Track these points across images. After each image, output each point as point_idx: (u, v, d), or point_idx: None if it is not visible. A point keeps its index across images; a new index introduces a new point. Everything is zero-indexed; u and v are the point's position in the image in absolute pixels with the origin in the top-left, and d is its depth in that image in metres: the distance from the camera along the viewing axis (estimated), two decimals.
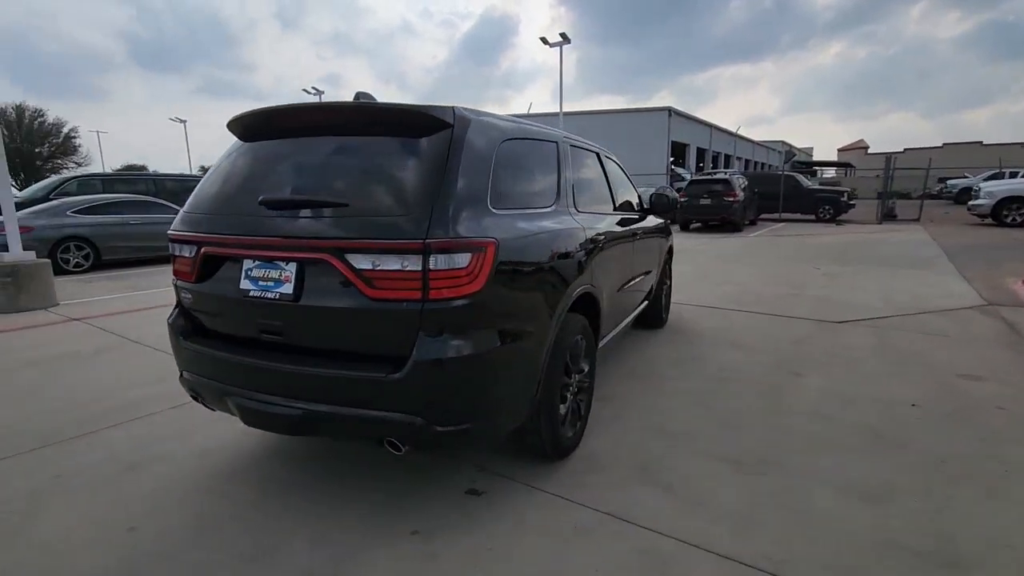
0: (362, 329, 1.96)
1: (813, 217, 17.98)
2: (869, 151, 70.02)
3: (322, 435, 2.23)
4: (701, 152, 43.08)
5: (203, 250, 2.21)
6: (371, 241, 1.85)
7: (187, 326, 2.39)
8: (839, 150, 76.64)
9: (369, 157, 2.07)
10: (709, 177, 16.69)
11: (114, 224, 9.65)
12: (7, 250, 6.40)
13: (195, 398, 2.39)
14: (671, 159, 36.07)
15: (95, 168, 49.99)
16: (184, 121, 48.99)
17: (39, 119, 50.69)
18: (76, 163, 52.03)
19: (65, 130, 52.63)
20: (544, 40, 24.71)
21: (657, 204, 4.36)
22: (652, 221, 4.44)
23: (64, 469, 2.63)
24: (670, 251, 5.14)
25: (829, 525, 2.14)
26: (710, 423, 3.06)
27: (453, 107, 2.14)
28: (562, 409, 2.55)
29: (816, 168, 49.76)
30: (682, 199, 14.85)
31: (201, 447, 2.83)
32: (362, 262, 1.87)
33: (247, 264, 2.10)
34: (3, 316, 5.92)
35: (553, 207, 2.64)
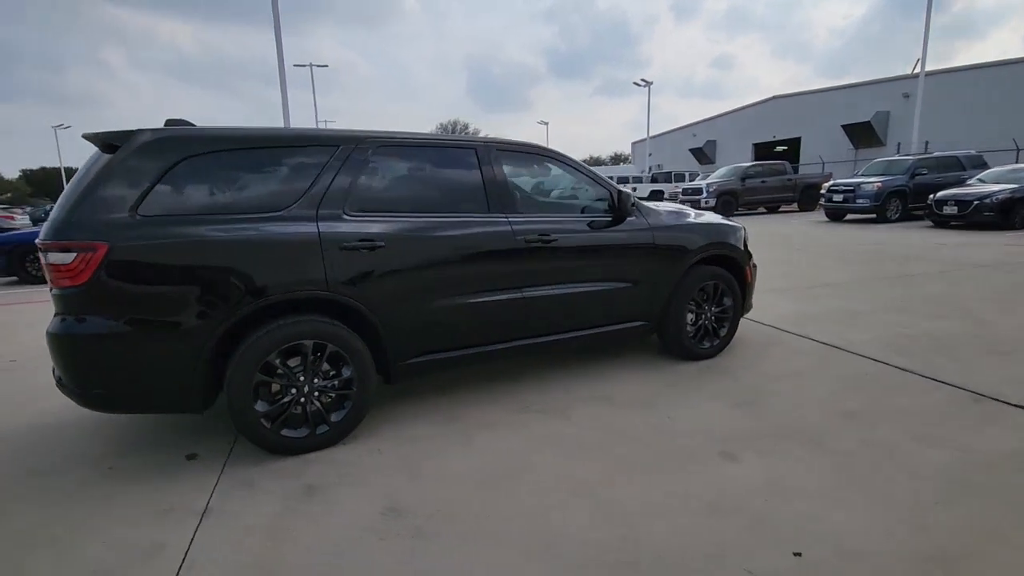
0: None
1: None
2: None
3: None
4: None
5: None
6: (41, 241, 2.47)
7: None
8: None
9: (87, 173, 2.62)
10: None
11: None
12: None
13: None
14: None
15: None
16: (546, 123, 57.59)
17: (464, 131, 67.17)
18: None
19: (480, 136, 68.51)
20: None
21: (623, 208, 3.53)
22: (632, 227, 3.63)
23: None
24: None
25: None
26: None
27: (141, 130, 2.53)
28: (299, 408, 2.75)
29: None
30: None
31: None
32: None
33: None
34: None
35: (284, 212, 2.69)
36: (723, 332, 4.14)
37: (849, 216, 15.18)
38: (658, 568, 1.92)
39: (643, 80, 31.83)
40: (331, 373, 2.84)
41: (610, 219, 3.61)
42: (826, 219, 15.65)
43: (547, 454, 2.77)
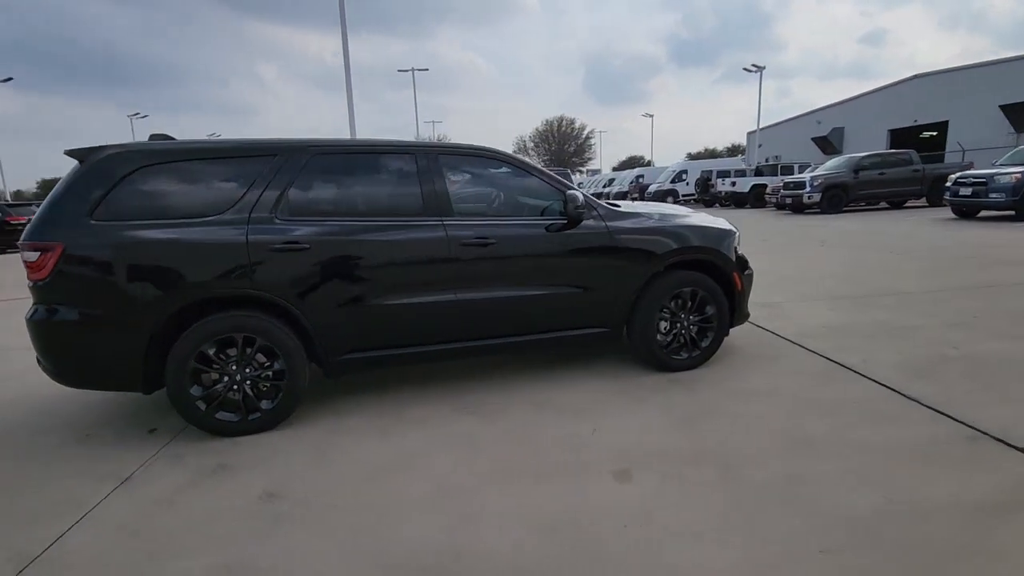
0: None
1: None
2: None
3: None
4: None
5: None
6: (19, 241, 2.96)
7: None
8: None
9: (60, 183, 3.05)
10: None
11: None
12: None
13: None
14: None
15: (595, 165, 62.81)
16: (651, 116, 55.15)
17: (569, 126, 66.94)
18: (584, 159, 66.54)
19: (585, 133, 67.59)
20: None
21: (571, 212, 3.42)
22: (585, 230, 3.54)
23: None
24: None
25: None
26: None
27: (102, 146, 2.93)
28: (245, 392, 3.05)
29: None
30: None
31: None
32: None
33: None
34: None
35: (221, 216, 2.97)
36: (704, 343, 3.85)
37: (983, 212, 13.06)
38: None
39: (754, 65, 29.64)
40: (266, 364, 3.09)
41: (563, 222, 3.51)
42: (953, 216, 13.59)
43: (449, 454, 2.81)
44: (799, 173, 20.83)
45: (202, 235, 2.93)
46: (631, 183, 34.02)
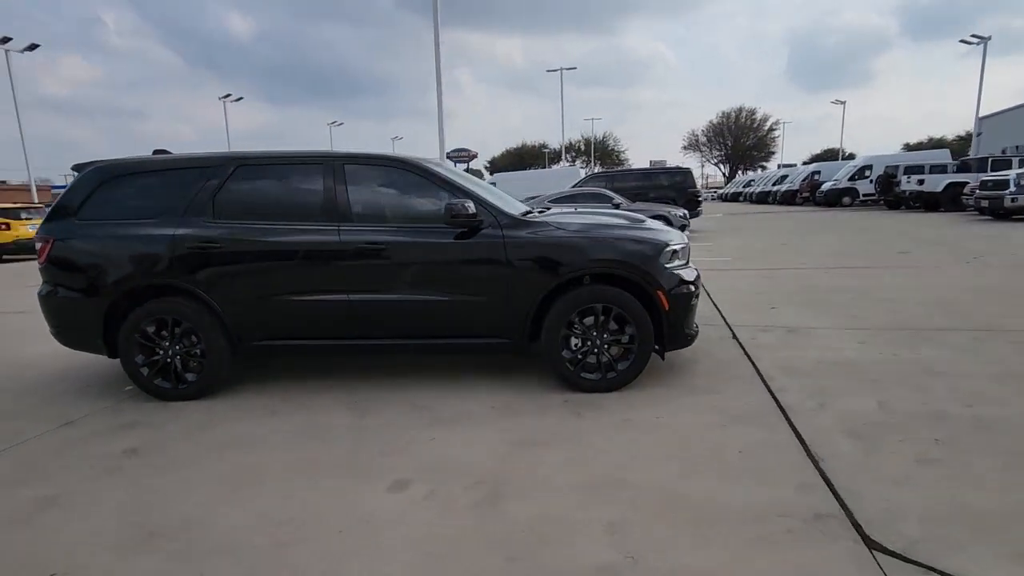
0: None
1: None
2: None
3: None
4: None
5: None
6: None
7: None
8: None
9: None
10: None
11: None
12: None
13: None
14: None
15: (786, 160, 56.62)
16: (843, 103, 47.79)
17: (749, 117, 61.36)
18: (766, 154, 60.30)
19: (768, 124, 61.36)
20: None
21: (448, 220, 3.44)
22: (482, 239, 3.53)
23: None
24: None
25: None
26: None
27: (91, 162, 3.74)
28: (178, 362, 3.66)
29: None
30: None
31: None
32: None
33: None
34: None
35: (160, 218, 3.59)
36: (623, 366, 3.53)
37: None
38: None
39: (975, 36, 23.95)
40: (194, 342, 3.67)
41: (462, 231, 3.51)
42: None
43: (294, 440, 3.07)
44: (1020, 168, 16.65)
45: (139, 232, 3.60)
46: (803, 180, 30.23)
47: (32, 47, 25.81)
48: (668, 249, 3.55)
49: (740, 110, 61.39)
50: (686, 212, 13.11)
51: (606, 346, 3.53)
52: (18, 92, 25.04)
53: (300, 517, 2.33)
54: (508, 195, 4.36)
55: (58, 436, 3.25)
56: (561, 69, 34.32)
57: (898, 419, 3.02)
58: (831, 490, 2.36)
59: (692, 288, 3.60)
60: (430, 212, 3.65)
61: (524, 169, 45.70)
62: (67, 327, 3.79)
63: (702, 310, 5.68)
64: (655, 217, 12.64)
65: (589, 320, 3.53)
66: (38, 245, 3.76)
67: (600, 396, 3.49)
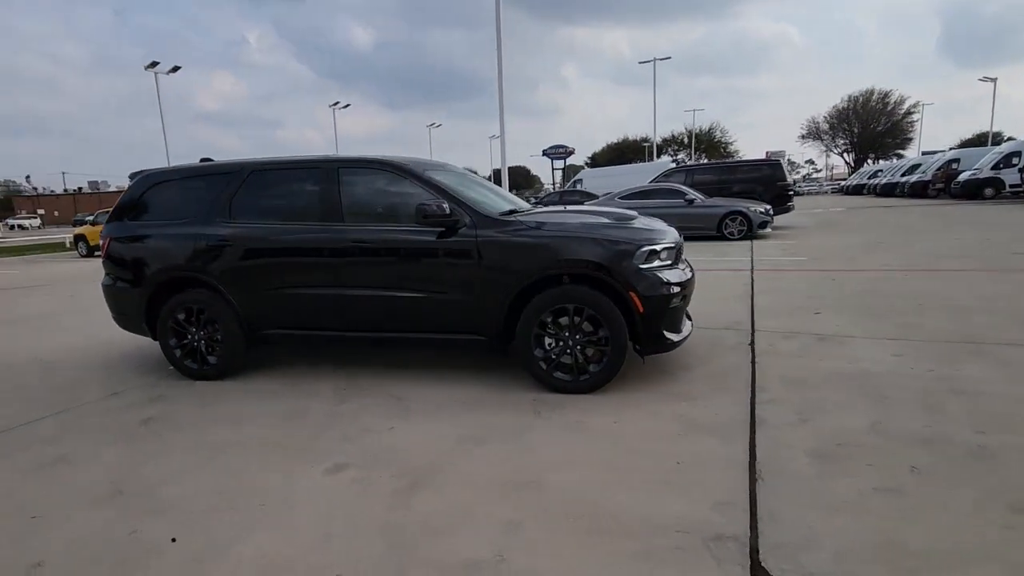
0: None
1: None
2: None
3: None
4: None
5: None
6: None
7: None
8: None
9: None
10: None
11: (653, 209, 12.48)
12: None
13: None
14: None
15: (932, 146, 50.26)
16: (994, 79, 41.08)
17: (881, 100, 55.09)
18: (901, 140, 53.76)
19: (905, 107, 54.76)
20: None
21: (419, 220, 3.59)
22: (457, 238, 3.62)
23: None
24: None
25: None
26: None
27: (140, 171, 4.34)
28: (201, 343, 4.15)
29: None
30: None
31: None
32: None
33: None
34: None
35: (189, 220, 4.08)
36: (594, 368, 3.46)
37: None
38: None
39: None
40: (216, 329, 4.14)
41: (440, 230, 3.62)
42: None
43: (264, 419, 3.39)
44: None
45: (174, 232, 4.13)
46: (938, 169, 26.67)
47: (174, 69, 28.65)
48: (645, 249, 3.41)
49: (870, 92, 55.30)
50: (769, 208, 12.19)
51: (580, 347, 3.48)
52: (180, 109, 28.65)
53: (237, 489, 2.59)
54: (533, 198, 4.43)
55: (102, 405, 3.83)
56: (655, 60, 33.11)
57: (882, 442, 2.69)
58: (751, 511, 2.19)
59: (673, 290, 3.43)
60: (413, 212, 3.81)
61: (625, 163, 44.68)
62: (121, 312, 4.44)
63: (733, 313, 5.38)
64: (730, 213, 12.11)
65: (564, 320, 3.50)
66: (101, 243, 4.44)
67: (567, 397, 3.45)
